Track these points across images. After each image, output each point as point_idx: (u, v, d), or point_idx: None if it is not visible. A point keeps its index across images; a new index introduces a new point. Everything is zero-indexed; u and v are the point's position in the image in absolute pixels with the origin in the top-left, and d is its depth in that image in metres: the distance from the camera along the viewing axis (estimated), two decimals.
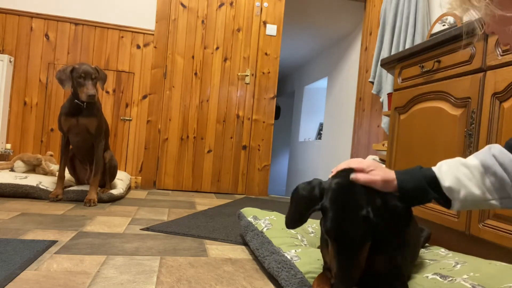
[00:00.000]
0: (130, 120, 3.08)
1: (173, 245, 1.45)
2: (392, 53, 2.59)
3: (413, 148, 1.80)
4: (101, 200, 2.24)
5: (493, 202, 0.76)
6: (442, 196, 0.79)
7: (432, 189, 0.80)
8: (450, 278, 0.96)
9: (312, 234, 1.50)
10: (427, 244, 1.42)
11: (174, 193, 3.02)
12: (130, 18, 3.06)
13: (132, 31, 3.06)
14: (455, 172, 0.79)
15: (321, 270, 1.01)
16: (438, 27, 2.32)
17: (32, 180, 2.25)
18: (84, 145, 2.26)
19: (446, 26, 2.25)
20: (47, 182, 2.28)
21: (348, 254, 0.79)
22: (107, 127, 2.36)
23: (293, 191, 0.91)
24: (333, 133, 4.64)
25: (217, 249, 1.44)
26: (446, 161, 0.84)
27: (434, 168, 0.83)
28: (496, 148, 0.78)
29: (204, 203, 2.62)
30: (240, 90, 3.27)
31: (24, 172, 2.45)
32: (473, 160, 0.80)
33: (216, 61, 3.22)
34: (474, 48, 1.46)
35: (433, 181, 0.80)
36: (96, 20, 3.00)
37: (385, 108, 2.70)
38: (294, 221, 0.88)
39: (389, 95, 2.61)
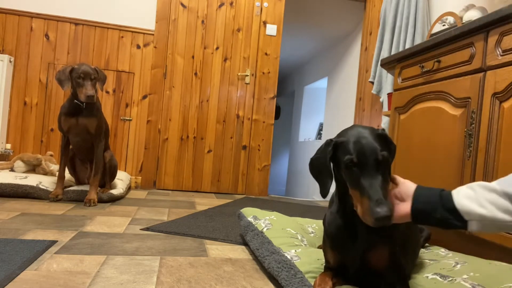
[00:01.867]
0: (130, 120, 3.08)
1: (173, 245, 1.45)
2: (392, 53, 2.59)
3: (413, 148, 1.80)
4: (101, 200, 2.24)
5: None
6: (456, 216, 0.77)
7: (444, 207, 0.78)
8: (450, 278, 0.96)
9: (312, 234, 1.50)
10: (427, 244, 1.42)
11: (174, 193, 3.02)
12: (130, 18, 3.06)
13: (132, 31, 3.06)
14: (472, 193, 0.77)
15: (321, 270, 1.01)
16: (438, 27, 2.32)
17: (32, 180, 2.25)
18: (84, 145, 2.26)
19: (446, 26, 2.25)
20: (47, 182, 2.28)
21: (374, 172, 0.79)
22: (107, 127, 2.36)
23: (309, 166, 0.94)
24: (333, 133, 4.64)
25: (217, 249, 1.44)
26: (468, 184, 0.81)
27: (454, 190, 0.81)
28: None
29: (204, 203, 2.62)
30: (240, 90, 3.27)
31: (24, 172, 2.45)
32: (495, 184, 0.77)
33: (216, 61, 3.22)
34: (474, 48, 1.46)
35: (447, 198, 0.78)
36: (96, 20, 3.00)
37: (385, 108, 2.70)
38: (325, 183, 0.89)
39: (389, 95, 2.61)
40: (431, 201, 0.79)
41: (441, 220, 0.78)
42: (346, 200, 0.88)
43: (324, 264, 1.01)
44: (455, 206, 0.76)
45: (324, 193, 0.89)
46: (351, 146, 0.82)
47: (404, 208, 0.81)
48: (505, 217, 0.72)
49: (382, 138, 0.85)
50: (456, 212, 0.76)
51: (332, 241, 0.92)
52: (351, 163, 0.81)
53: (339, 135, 0.89)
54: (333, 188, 0.95)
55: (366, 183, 0.78)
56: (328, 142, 0.89)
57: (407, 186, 0.84)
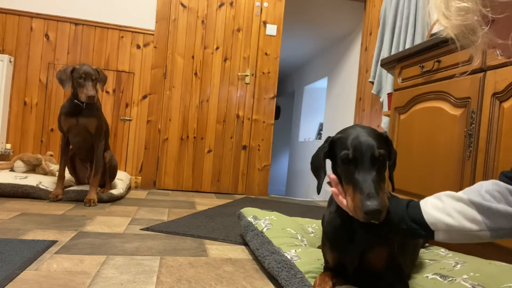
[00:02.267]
0: (130, 120, 3.08)
1: (173, 245, 1.45)
2: (392, 53, 2.59)
3: (413, 148, 1.80)
4: (101, 200, 2.24)
5: (482, 233, 0.72)
6: (422, 226, 0.77)
7: (411, 218, 0.78)
8: (450, 278, 0.96)
9: (312, 234, 1.50)
10: (427, 244, 1.42)
11: (174, 193, 3.02)
12: (130, 18, 3.06)
13: (132, 31, 3.06)
14: (440, 203, 0.78)
15: (321, 270, 1.01)
16: (438, 27, 2.32)
17: (32, 180, 2.25)
18: (84, 145, 2.26)
19: None
20: (47, 182, 2.28)
21: (369, 168, 0.79)
22: (107, 127, 2.36)
23: (310, 163, 0.95)
24: (333, 133, 4.61)
25: (217, 249, 1.44)
26: (435, 195, 0.82)
27: (421, 201, 0.82)
28: (488, 184, 0.75)
29: (204, 203, 2.62)
30: (240, 90, 3.27)
31: (24, 172, 2.45)
32: (461, 194, 0.77)
33: (216, 61, 3.22)
34: (474, 48, 1.46)
35: (414, 208, 0.79)
36: (96, 20, 3.00)
37: (385, 108, 2.70)
38: (319, 177, 0.91)
39: (389, 95, 2.60)
40: (398, 212, 0.80)
41: (407, 231, 0.79)
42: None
43: (323, 264, 1.01)
44: (422, 216, 0.77)
45: (318, 188, 0.91)
46: (349, 142, 0.83)
47: None
48: (472, 226, 0.72)
49: (382, 138, 0.85)
50: (423, 223, 0.77)
51: (331, 241, 0.93)
52: (346, 158, 0.81)
53: (339, 132, 0.90)
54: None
55: (360, 178, 0.78)
56: (327, 139, 0.90)
57: None
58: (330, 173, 0.87)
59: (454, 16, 0.61)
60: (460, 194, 0.76)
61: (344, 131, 0.88)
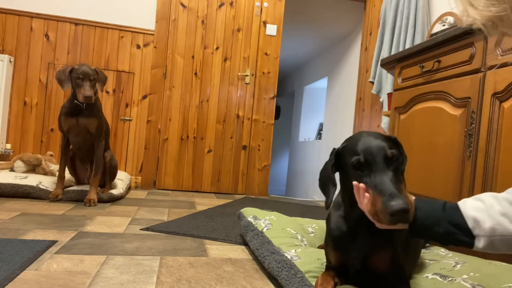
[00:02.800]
0: (130, 120, 3.08)
1: (173, 245, 1.45)
2: (392, 53, 2.59)
3: (413, 148, 1.80)
4: (101, 200, 2.24)
5: None
6: (463, 231, 0.68)
7: (449, 221, 0.68)
8: (450, 278, 0.96)
9: (312, 234, 1.50)
10: (427, 245, 1.42)
11: (174, 193, 3.02)
12: (130, 18, 3.06)
13: (132, 31, 3.06)
14: (482, 204, 0.68)
15: (322, 270, 1.01)
16: (438, 27, 2.32)
17: (32, 180, 2.25)
18: (84, 145, 2.26)
19: (446, 26, 2.25)
20: (47, 182, 2.28)
21: (384, 169, 0.74)
22: (107, 127, 2.36)
23: (318, 181, 0.92)
24: (333, 133, 4.64)
25: (217, 249, 1.44)
26: (474, 196, 0.74)
27: (459, 202, 0.72)
28: None
29: (204, 203, 2.62)
30: (240, 90, 3.27)
31: (24, 172, 2.45)
32: (505, 194, 0.68)
33: (216, 61, 3.22)
34: (474, 48, 1.46)
35: (453, 210, 0.69)
36: (96, 20, 3.00)
37: (385, 108, 2.70)
38: (328, 192, 0.87)
39: (389, 95, 2.60)
40: (433, 215, 0.71)
41: (445, 235, 0.70)
42: (353, 206, 0.85)
43: (325, 264, 1.01)
44: (463, 219, 0.68)
45: (327, 204, 0.86)
46: (358, 148, 0.79)
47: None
48: None
49: (391, 140, 0.82)
50: (464, 226, 0.68)
51: (334, 242, 0.92)
52: (358, 164, 0.77)
53: (344, 142, 0.88)
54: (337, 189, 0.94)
55: (377, 180, 0.73)
56: (332, 151, 0.87)
57: None
58: (355, 183, 0.79)
59: (484, 7, 0.58)
60: (504, 194, 0.67)
61: (350, 139, 0.86)
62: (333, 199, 0.91)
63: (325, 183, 0.88)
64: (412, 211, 0.71)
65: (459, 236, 0.69)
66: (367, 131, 0.85)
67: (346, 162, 0.83)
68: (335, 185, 0.86)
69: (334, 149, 0.87)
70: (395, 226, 0.73)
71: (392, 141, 0.82)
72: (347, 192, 0.86)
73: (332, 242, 0.93)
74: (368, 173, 0.76)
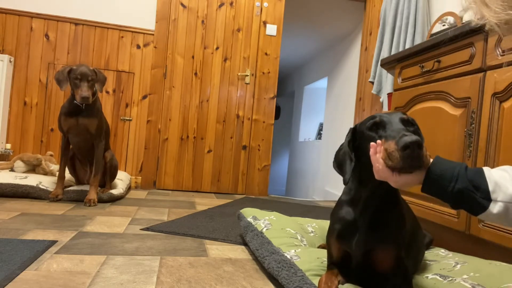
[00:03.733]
0: (130, 120, 3.08)
1: (173, 245, 1.45)
2: (392, 53, 2.59)
3: None
4: (101, 200, 2.24)
5: None
6: (481, 191, 0.65)
7: (469, 179, 0.66)
8: (450, 278, 0.96)
9: (312, 234, 1.50)
10: (431, 246, 1.42)
11: (174, 193, 3.02)
12: (130, 18, 3.06)
13: (132, 31, 3.06)
14: (507, 174, 0.66)
15: (322, 268, 1.01)
16: (438, 27, 2.32)
17: (32, 180, 2.25)
18: (84, 145, 2.26)
19: (446, 26, 2.25)
20: (47, 182, 2.28)
21: (399, 126, 0.74)
22: (107, 127, 2.36)
23: (333, 162, 0.93)
24: (333, 133, 4.64)
25: (217, 249, 1.44)
26: (499, 167, 0.72)
27: (484, 167, 0.71)
28: None
29: (204, 203, 2.62)
30: (240, 90, 3.27)
31: (24, 172, 2.45)
32: None
33: (216, 61, 3.22)
34: (474, 48, 1.46)
35: (476, 170, 0.67)
36: (96, 20, 3.00)
37: (385, 108, 2.70)
38: (346, 166, 0.86)
39: (389, 95, 2.60)
40: (454, 170, 0.69)
41: (460, 193, 0.67)
42: (365, 186, 0.87)
43: (325, 263, 1.01)
44: (484, 179, 0.66)
45: (346, 178, 0.86)
46: (374, 117, 0.81)
47: (417, 175, 0.71)
48: None
49: (410, 121, 0.82)
50: (483, 187, 0.65)
51: (339, 231, 0.92)
52: (374, 125, 0.78)
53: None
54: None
55: (391, 132, 0.73)
56: (350, 129, 0.90)
57: None
58: (372, 143, 0.78)
59: (501, 10, 0.57)
60: None
61: (369, 117, 0.87)
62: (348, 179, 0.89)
63: (342, 161, 0.89)
64: (425, 150, 0.70)
65: (475, 196, 0.66)
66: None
67: (362, 134, 0.84)
68: (352, 159, 0.85)
69: (351, 128, 0.90)
70: (409, 174, 0.71)
71: (410, 121, 0.82)
72: (360, 168, 0.87)
73: (337, 231, 0.92)
74: (383, 133, 0.76)
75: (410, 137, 0.67)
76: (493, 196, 0.65)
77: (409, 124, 0.77)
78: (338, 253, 0.93)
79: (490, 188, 0.66)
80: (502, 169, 0.69)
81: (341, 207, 0.94)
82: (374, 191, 0.85)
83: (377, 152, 0.76)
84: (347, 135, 0.90)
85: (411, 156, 0.68)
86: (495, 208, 0.65)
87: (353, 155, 0.86)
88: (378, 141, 0.76)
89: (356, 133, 0.88)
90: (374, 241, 0.86)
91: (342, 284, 0.92)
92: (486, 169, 0.69)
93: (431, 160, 0.73)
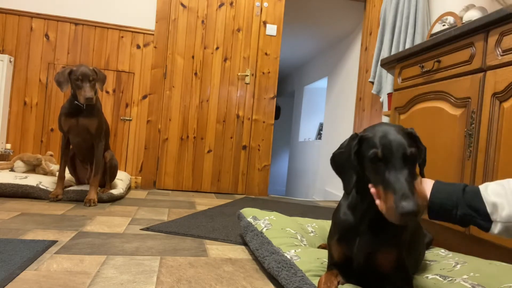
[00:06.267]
0: (130, 120, 3.08)
1: (173, 245, 1.45)
2: (392, 53, 2.59)
3: None
4: (101, 200, 2.24)
5: None
6: (482, 215, 0.68)
7: (468, 205, 0.69)
8: (450, 278, 0.96)
9: (312, 234, 1.49)
10: (431, 246, 1.42)
11: (174, 193, 3.02)
12: (130, 18, 3.06)
13: (132, 31, 3.06)
14: (502, 189, 0.68)
15: (322, 269, 1.01)
16: (438, 27, 2.32)
17: (32, 180, 2.25)
18: (84, 145, 2.26)
19: (446, 26, 2.25)
20: (47, 182, 2.28)
21: (400, 166, 0.74)
22: (107, 127, 2.36)
23: (331, 160, 0.91)
24: (333, 133, 4.64)
25: (217, 249, 1.44)
26: (497, 181, 0.73)
27: (481, 186, 0.72)
28: None
29: (204, 203, 2.62)
30: (240, 90, 3.27)
31: (24, 172, 2.45)
32: None
33: (216, 61, 3.22)
34: (474, 48, 1.46)
35: (473, 194, 0.70)
36: (96, 20, 3.00)
37: (385, 108, 2.70)
38: (349, 178, 0.85)
39: (389, 95, 2.61)
40: (453, 197, 0.72)
41: (463, 218, 0.70)
42: (364, 196, 0.85)
43: (325, 263, 1.01)
44: (482, 202, 0.68)
45: (348, 189, 0.85)
46: (377, 140, 0.78)
47: None
48: None
49: (411, 136, 0.82)
50: (482, 210, 0.68)
51: (340, 235, 0.91)
52: (375, 158, 0.77)
53: (365, 130, 0.86)
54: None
55: (391, 178, 0.73)
56: (354, 136, 0.85)
57: (424, 181, 0.80)
58: (372, 190, 0.79)
59: None
60: None
61: (371, 129, 0.84)
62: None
63: (344, 168, 0.86)
64: (421, 214, 0.72)
65: (477, 220, 0.69)
66: (388, 124, 0.84)
67: (363, 151, 0.82)
68: (357, 170, 0.84)
69: (357, 134, 0.85)
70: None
71: (411, 136, 0.82)
72: (360, 180, 0.85)
73: (338, 234, 0.92)
74: (384, 168, 0.76)
75: (409, 205, 0.68)
76: (492, 217, 0.68)
77: (409, 160, 0.75)
78: (339, 255, 0.92)
79: (488, 210, 0.68)
80: (500, 183, 0.71)
81: (342, 210, 0.93)
82: (373, 199, 0.85)
83: (375, 195, 0.78)
84: (350, 142, 0.86)
85: (407, 221, 0.70)
86: (496, 228, 0.68)
87: (357, 166, 0.84)
88: (379, 189, 0.76)
89: (361, 144, 0.84)
90: (376, 244, 0.85)
91: (342, 284, 0.92)
92: (483, 189, 0.71)
93: (429, 184, 0.76)
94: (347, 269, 0.92)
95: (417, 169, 0.85)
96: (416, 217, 0.70)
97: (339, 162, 0.88)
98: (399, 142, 0.77)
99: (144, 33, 3.08)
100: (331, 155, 0.91)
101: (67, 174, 2.40)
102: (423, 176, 0.88)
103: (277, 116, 7.29)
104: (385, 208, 0.74)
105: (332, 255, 0.95)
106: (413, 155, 0.76)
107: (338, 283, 0.91)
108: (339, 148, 0.89)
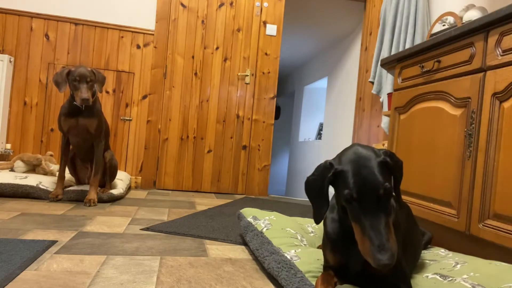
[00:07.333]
0: (130, 120, 3.08)
1: (173, 245, 1.45)
2: (392, 53, 2.59)
3: (413, 148, 1.80)
4: (101, 200, 2.24)
5: None
6: None
7: None
8: (450, 278, 0.96)
9: (312, 234, 1.50)
10: (429, 246, 1.42)
11: (174, 193, 3.02)
12: (130, 18, 3.06)
13: (132, 31, 3.06)
14: None
15: (321, 270, 1.01)
16: (438, 27, 2.32)
17: (32, 180, 2.25)
18: (84, 145, 2.26)
19: (446, 26, 2.25)
20: (47, 182, 2.28)
21: (375, 209, 0.75)
22: (107, 127, 2.36)
23: (305, 186, 0.91)
24: (333, 133, 4.64)
25: (217, 249, 1.44)
26: None
27: None
28: None
29: (204, 203, 2.62)
30: (240, 90, 3.27)
31: (24, 172, 2.45)
32: None
33: (216, 61, 3.22)
34: (474, 48, 1.46)
35: None
36: (96, 20, 3.00)
37: (385, 108, 2.70)
38: (319, 208, 0.86)
39: (389, 95, 2.61)
40: None
41: None
42: (345, 214, 0.86)
43: (323, 264, 1.01)
44: None
45: (317, 219, 0.87)
46: (351, 179, 0.78)
47: None
48: None
49: (384, 164, 0.81)
50: None
51: (332, 244, 0.92)
52: (350, 199, 0.78)
53: (339, 157, 0.85)
54: (332, 192, 0.94)
55: (367, 222, 0.75)
56: (328, 167, 0.84)
57: None
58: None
59: None
60: None
61: (345, 158, 0.83)
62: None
63: (316, 196, 0.87)
64: (394, 262, 0.73)
65: None
66: (363, 149, 0.83)
67: (338, 187, 0.82)
68: (328, 202, 0.86)
69: (331, 165, 0.84)
70: None
71: (386, 165, 0.81)
72: (339, 202, 0.86)
73: (330, 245, 0.93)
74: (359, 208, 0.77)
75: (384, 259, 0.71)
76: None
77: (383, 200, 0.76)
78: (335, 262, 0.93)
79: None
80: None
81: (331, 224, 0.94)
82: None
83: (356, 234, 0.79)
84: (324, 172, 0.84)
85: (382, 269, 0.74)
86: None
87: (328, 198, 0.85)
88: (357, 229, 0.78)
89: (336, 177, 0.83)
90: None
91: (339, 285, 0.92)
92: None
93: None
94: (344, 272, 0.92)
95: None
96: (391, 267, 0.72)
97: (312, 189, 0.88)
98: (373, 181, 0.77)
99: (144, 33, 3.08)
100: (331, 158, 0.90)
101: (67, 174, 2.40)
102: (398, 197, 0.89)
103: (277, 116, 7.29)
104: (362, 251, 0.76)
105: (328, 260, 0.96)
106: (387, 192, 0.77)
107: (335, 284, 0.91)
108: (313, 174, 0.89)
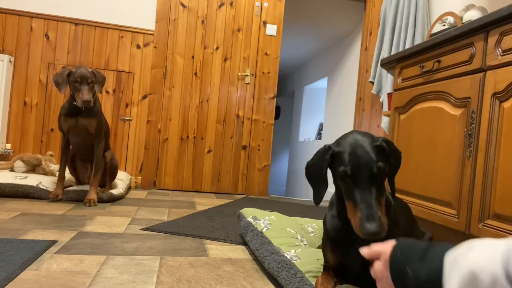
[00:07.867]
0: (130, 120, 3.08)
1: (173, 245, 1.45)
2: (392, 53, 2.59)
3: (413, 148, 1.80)
4: (101, 200, 2.24)
5: None
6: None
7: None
8: None
9: (312, 234, 1.50)
10: None
11: (174, 193, 3.02)
12: (130, 18, 3.06)
13: (132, 31, 3.06)
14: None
15: (321, 270, 1.01)
16: (438, 27, 2.32)
17: (32, 180, 2.25)
18: (84, 145, 2.26)
19: (446, 26, 2.25)
20: (47, 182, 2.28)
21: (367, 185, 0.78)
22: (107, 127, 2.36)
23: (305, 170, 0.94)
24: (333, 133, 4.64)
25: (217, 249, 1.44)
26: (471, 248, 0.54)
27: (449, 255, 0.57)
28: None
29: (204, 203, 2.62)
30: (240, 90, 3.27)
31: (24, 172, 2.45)
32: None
33: (216, 61, 3.22)
34: (474, 48, 1.46)
35: (435, 274, 0.57)
36: (96, 20, 3.00)
37: (385, 108, 2.70)
38: (319, 190, 0.90)
39: (389, 95, 2.61)
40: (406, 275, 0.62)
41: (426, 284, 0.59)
42: (344, 208, 0.87)
43: (323, 264, 1.01)
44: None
45: (317, 200, 0.90)
46: (346, 157, 0.82)
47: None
48: None
49: (381, 148, 0.84)
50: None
51: (332, 243, 0.92)
52: (345, 175, 0.81)
53: (338, 141, 0.88)
54: (332, 189, 0.94)
55: (359, 196, 0.78)
56: (326, 149, 0.88)
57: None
58: (363, 250, 0.76)
59: None
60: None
61: (343, 141, 0.86)
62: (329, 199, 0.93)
63: (316, 179, 0.90)
64: (385, 231, 0.76)
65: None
66: (360, 135, 0.86)
67: (335, 166, 0.86)
68: (326, 184, 0.89)
69: (330, 147, 0.88)
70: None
71: (381, 148, 0.84)
72: (339, 190, 0.89)
73: (330, 245, 0.93)
74: (352, 184, 0.80)
75: (371, 227, 0.74)
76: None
77: (376, 178, 0.79)
78: (335, 262, 0.93)
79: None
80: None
81: (331, 220, 0.94)
82: None
83: (349, 210, 0.83)
84: (323, 154, 0.87)
85: (371, 239, 0.75)
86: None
87: (327, 179, 0.88)
88: (350, 204, 0.81)
89: (333, 157, 0.86)
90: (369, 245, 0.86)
91: (339, 284, 0.92)
92: (448, 262, 0.57)
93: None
94: (344, 272, 0.92)
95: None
96: (380, 236, 0.74)
97: (312, 172, 0.91)
98: (367, 159, 0.80)
99: (144, 33, 3.08)
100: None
101: (67, 174, 2.40)
102: (392, 182, 0.91)
103: (277, 116, 7.29)
104: (353, 223, 0.79)
105: (328, 260, 0.96)
106: (380, 171, 0.80)
107: (335, 284, 0.91)
108: (312, 158, 0.92)
